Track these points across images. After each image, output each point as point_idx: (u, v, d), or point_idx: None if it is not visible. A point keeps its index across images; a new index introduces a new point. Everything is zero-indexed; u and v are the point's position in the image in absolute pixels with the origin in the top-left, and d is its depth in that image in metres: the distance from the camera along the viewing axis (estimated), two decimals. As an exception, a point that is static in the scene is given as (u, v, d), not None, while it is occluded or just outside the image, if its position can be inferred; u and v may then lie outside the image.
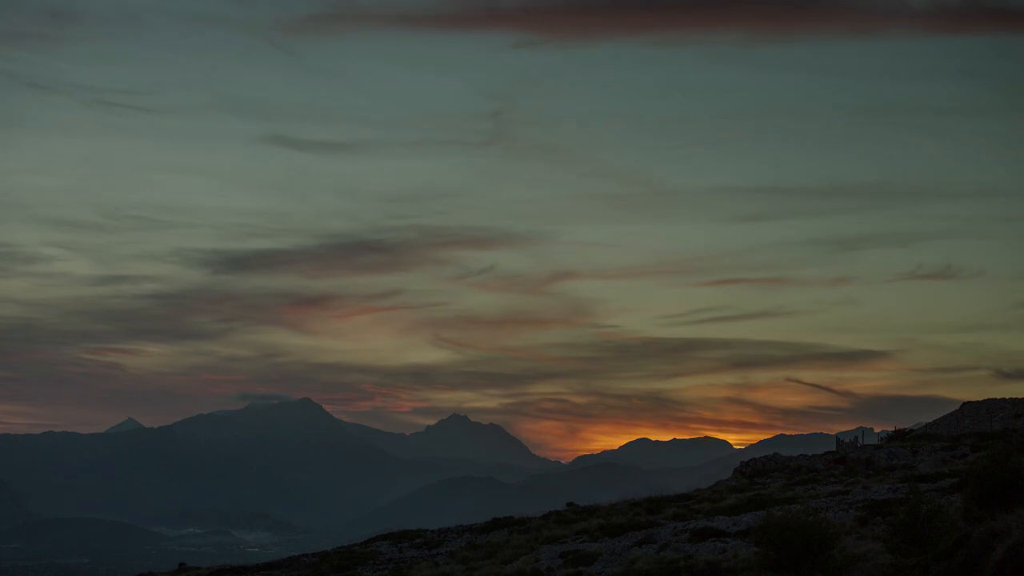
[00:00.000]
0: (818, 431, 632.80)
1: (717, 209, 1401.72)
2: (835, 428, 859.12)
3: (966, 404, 78.68)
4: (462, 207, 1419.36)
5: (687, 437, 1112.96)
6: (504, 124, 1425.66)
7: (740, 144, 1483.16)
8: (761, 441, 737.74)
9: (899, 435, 74.42)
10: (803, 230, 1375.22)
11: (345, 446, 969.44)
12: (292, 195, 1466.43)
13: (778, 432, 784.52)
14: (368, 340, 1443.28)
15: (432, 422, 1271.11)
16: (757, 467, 64.16)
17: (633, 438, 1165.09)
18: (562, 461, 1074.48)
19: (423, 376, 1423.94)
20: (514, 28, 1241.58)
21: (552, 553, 39.74)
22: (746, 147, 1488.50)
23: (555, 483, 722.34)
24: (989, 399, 77.89)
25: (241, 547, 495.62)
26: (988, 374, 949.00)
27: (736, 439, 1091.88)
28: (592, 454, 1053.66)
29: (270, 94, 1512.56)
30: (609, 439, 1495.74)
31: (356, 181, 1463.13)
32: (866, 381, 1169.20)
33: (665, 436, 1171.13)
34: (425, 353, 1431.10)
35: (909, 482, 43.72)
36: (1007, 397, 77.00)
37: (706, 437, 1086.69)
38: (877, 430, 75.71)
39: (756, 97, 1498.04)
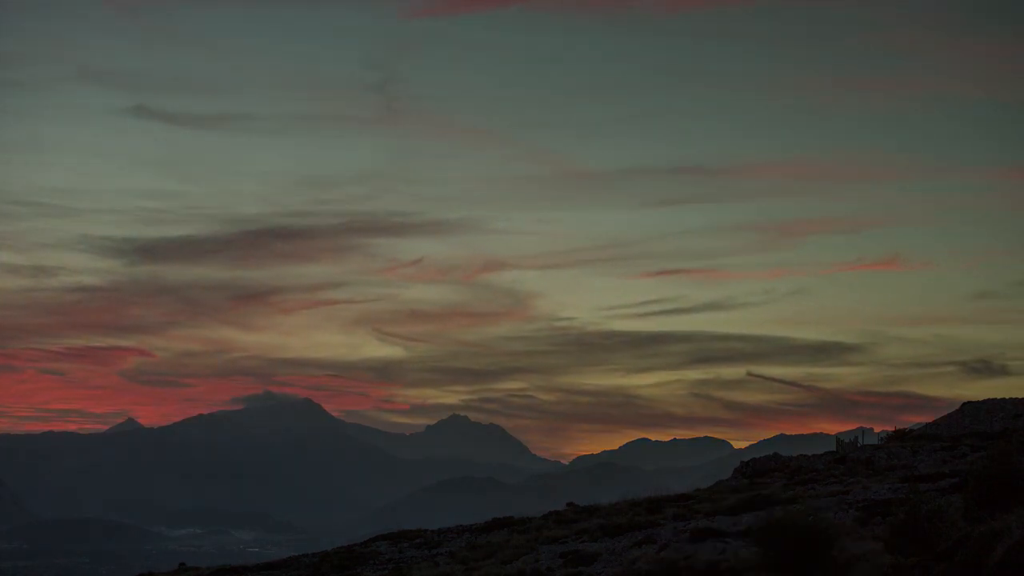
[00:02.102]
0: (810, 432, 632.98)
1: (638, 192, 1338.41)
2: (817, 425, 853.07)
3: (966, 404, 78.63)
4: (379, 190, 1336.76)
5: (686, 437, 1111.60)
6: (397, 100, 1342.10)
7: (657, 120, 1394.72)
8: (761, 441, 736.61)
9: (899, 435, 74.45)
10: (733, 214, 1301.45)
11: (345, 446, 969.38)
12: (181, 174, 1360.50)
13: (777, 432, 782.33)
14: (318, 335, 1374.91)
15: (432, 422, 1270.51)
16: (757, 467, 64.14)
17: (623, 438, 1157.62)
18: (562, 461, 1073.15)
19: (384, 372, 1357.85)
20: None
21: (552, 553, 39.71)
22: (664, 123, 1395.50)
23: (555, 483, 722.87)
24: (989, 399, 77.85)
25: (241, 547, 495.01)
26: (957, 369, 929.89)
27: (715, 436, 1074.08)
28: (592, 454, 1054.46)
29: (126, 62, 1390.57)
30: (589, 437, 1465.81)
31: (250, 161, 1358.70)
32: (839, 379, 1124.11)
33: (644, 435, 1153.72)
34: (376, 348, 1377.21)
35: (909, 482, 43.73)
36: (1007, 397, 77.02)
37: (706, 437, 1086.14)
38: (877, 430, 75.71)
39: (677, 67, 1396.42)
